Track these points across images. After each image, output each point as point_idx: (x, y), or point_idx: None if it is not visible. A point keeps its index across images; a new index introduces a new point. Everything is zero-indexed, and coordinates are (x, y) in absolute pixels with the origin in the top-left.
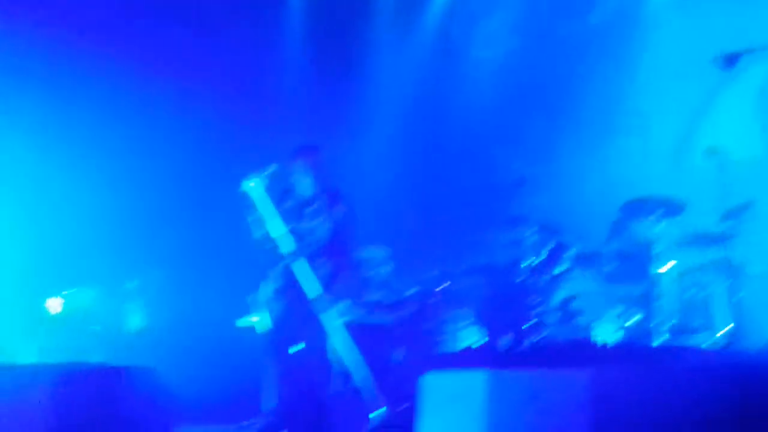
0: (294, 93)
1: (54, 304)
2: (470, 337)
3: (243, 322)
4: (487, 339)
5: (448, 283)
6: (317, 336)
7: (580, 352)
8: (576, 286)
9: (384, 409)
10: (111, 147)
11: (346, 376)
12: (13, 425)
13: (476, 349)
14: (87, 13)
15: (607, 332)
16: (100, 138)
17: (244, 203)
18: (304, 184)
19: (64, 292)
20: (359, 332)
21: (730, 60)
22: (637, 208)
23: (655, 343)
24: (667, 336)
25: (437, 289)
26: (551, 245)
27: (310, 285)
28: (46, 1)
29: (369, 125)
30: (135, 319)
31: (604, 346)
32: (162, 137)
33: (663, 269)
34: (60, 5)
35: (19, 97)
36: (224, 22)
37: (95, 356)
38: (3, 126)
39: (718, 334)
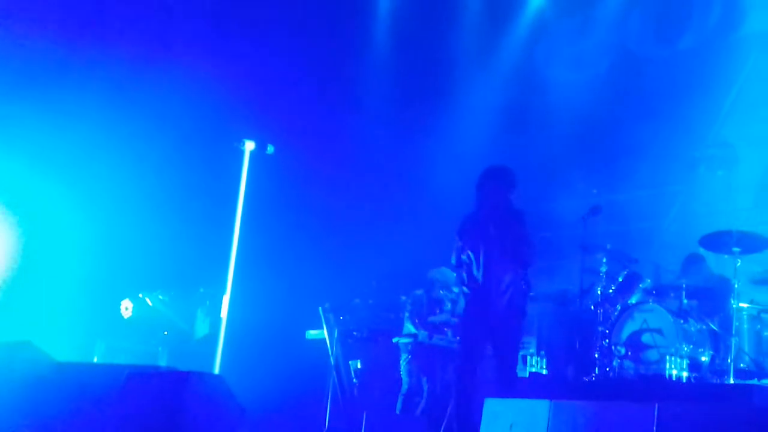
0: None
1: (126, 307)
2: (536, 363)
3: (312, 334)
4: (552, 367)
5: None
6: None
7: (648, 386)
8: (649, 318)
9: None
10: (191, 151)
11: (414, 394)
12: (79, 422)
13: (542, 377)
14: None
15: (678, 368)
16: (181, 140)
17: None
18: None
19: (139, 296)
20: (425, 353)
21: None
22: (717, 242)
23: (727, 382)
24: (740, 376)
25: None
26: (625, 274)
27: None
28: None
29: (446, 148)
30: (203, 326)
31: (674, 381)
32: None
33: (740, 306)
34: None
35: (90, 92)
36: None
37: (163, 360)
38: (81, 128)
39: None
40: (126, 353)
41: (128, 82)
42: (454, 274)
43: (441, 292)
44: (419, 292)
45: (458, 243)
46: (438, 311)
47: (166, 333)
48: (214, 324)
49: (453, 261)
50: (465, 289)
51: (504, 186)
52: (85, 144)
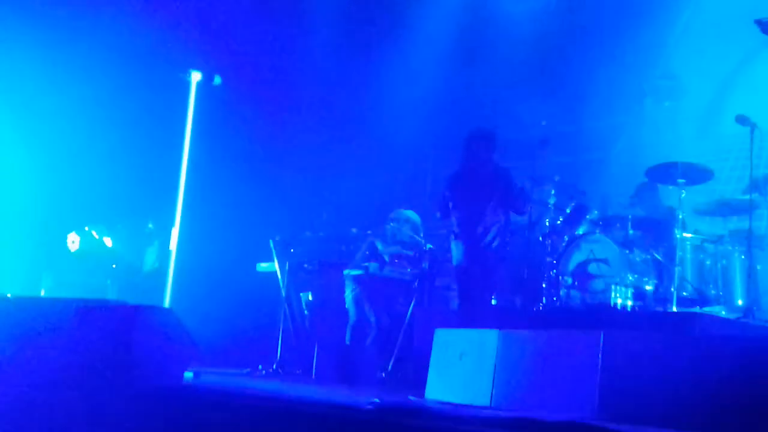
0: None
1: (73, 240)
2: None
3: (263, 266)
4: (501, 298)
5: None
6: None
7: (594, 315)
8: (595, 248)
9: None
10: (136, 81)
11: (362, 326)
12: (30, 356)
13: (491, 307)
14: None
15: (623, 297)
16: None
17: None
18: None
19: (85, 228)
20: (377, 284)
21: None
22: (662, 173)
23: (671, 310)
24: (683, 304)
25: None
26: (573, 206)
27: None
28: None
29: (393, 80)
30: (151, 260)
31: (619, 310)
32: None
33: (684, 236)
34: None
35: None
36: None
37: (112, 294)
38: (21, 60)
39: (735, 306)
40: (74, 287)
41: (69, 10)
42: (420, 219)
43: (409, 232)
44: (392, 225)
45: (447, 198)
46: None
47: (114, 266)
48: (163, 258)
49: (438, 215)
50: (454, 242)
51: (489, 146)
52: (26, 76)
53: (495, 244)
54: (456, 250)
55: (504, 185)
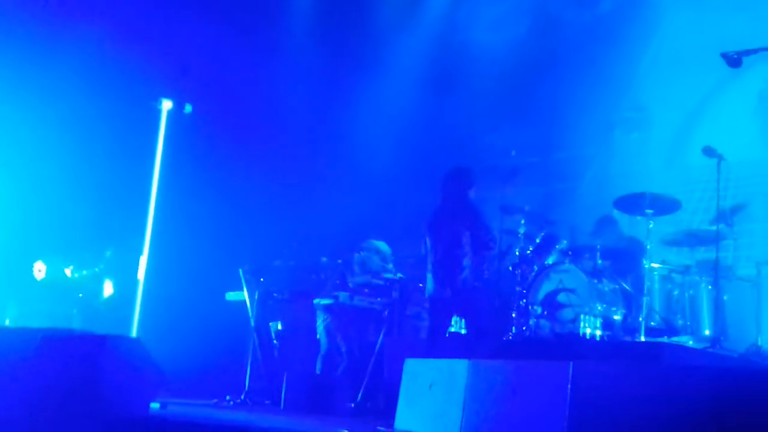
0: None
1: (39, 269)
2: (455, 323)
3: (232, 295)
4: (471, 327)
5: None
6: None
7: (563, 345)
8: (564, 278)
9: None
10: (106, 109)
11: (333, 356)
12: None
13: (461, 337)
14: None
15: (592, 327)
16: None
17: None
18: None
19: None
20: (347, 314)
21: (735, 59)
22: (631, 203)
23: (639, 340)
24: (651, 334)
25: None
26: (542, 235)
27: None
28: None
29: (365, 108)
30: (108, 288)
31: (588, 339)
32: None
33: (652, 266)
34: None
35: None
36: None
37: (77, 323)
38: None
39: (703, 336)
40: (40, 315)
41: (40, 35)
42: (390, 250)
43: (379, 262)
44: (361, 254)
45: (425, 235)
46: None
47: (81, 295)
48: (123, 286)
49: (422, 251)
50: (429, 274)
51: (465, 183)
52: None
53: (466, 275)
54: (430, 282)
55: (472, 221)
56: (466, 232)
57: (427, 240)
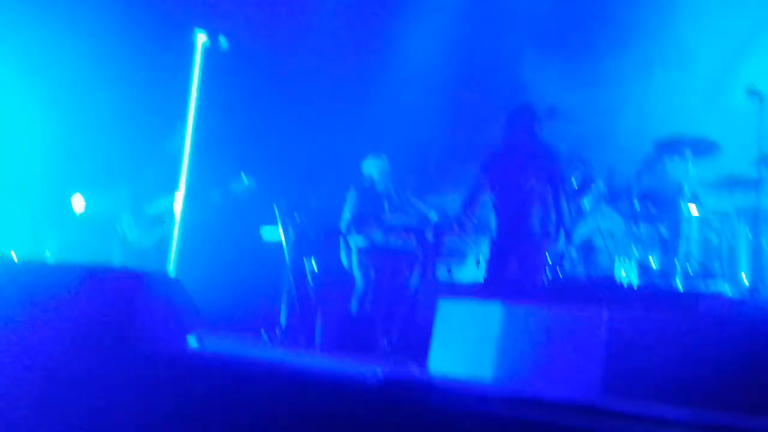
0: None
1: (78, 202)
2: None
3: (267, 232)
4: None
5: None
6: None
7: (598, 291)
8: (600, 222)
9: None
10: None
11: (367, 295)
12: (32, 321)
13: (495, 280)
14: None
15: (628, 272)
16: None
17: None
18: None
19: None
20: (381, 255)
21: None
22: (670, 145)
23: (676, 286)
24: (688, 279)
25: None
26: (579, 177)
27: None
28: None
29: (405, 42)
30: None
31: (624, 286)
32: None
33: (690, 211)
34: None
35: None
36: None
37: (117, 258)
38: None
39: (741, 282)
40: (79, 249)
41: None
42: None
43: (389, 186)
44: (367, 184)
45: (483, 180)
46: (387, 206)
47: (119, 230)
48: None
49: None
50: (497, 217)
51: (531, 123)
52: (25, 32)
53: (536, 221)
54: (494, 225)
55: (549, 161)
56: (538, 174)
57: (486, 182)
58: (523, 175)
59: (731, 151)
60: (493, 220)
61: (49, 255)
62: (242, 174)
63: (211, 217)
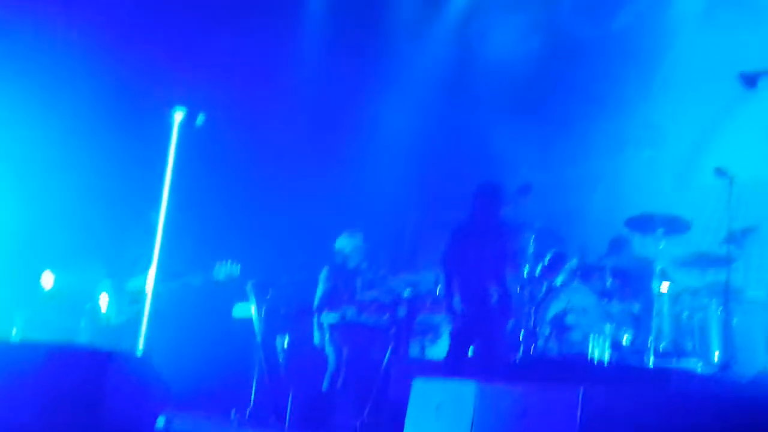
0: (309, 87)
1: (47, 279)
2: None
3: (238, 309)
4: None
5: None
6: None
7: (571, 368)
8: (573, 299)
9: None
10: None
11: (339, 373)
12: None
13: (468, 358)
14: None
15: (600, 349)
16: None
17: None
18: None
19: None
20: (353, 331)
21: (751, 79)
22: (641, 223)
23: (648, 364)
24: (660, 357)
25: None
26: (551, 254)
27: None
28: None
29: (380, 119)
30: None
31: (596, 363)
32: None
33: (661, 288)
34: None
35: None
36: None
37: (84, 337)
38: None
39: (712, 359)
40: (47, 327)
41: (49, 42)
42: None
43: (362, 263)
44: (339, 261)
45: (449, 252)
46: (360, 283)
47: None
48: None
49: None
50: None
51: (496, 201)
52: (4, 106)
53: (495, 299)
54: (457, 303)
55: (507, 241)
56: (500, 254)
57: (450, 258)
58: (482, 253)
59: (701, 229)
60: (456, 298)
61: (16, 333)
62: (229, 261)
63: (183, 294)
